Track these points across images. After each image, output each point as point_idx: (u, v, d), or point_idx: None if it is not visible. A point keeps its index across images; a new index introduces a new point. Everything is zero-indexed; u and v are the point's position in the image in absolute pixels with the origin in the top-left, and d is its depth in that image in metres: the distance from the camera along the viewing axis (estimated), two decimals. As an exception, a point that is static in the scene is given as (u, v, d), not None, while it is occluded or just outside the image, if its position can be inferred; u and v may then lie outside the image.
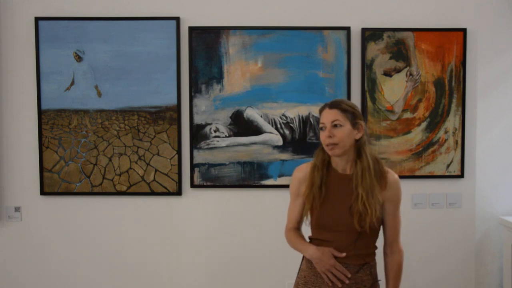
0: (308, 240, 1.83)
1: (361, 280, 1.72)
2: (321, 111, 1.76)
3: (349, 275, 1.70)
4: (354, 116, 1.72)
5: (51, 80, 2.62)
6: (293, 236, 1.83)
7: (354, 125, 1.71)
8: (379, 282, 1.80)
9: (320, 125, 1.74)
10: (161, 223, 2.70)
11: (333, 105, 1.73)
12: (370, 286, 1.74)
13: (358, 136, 1.72)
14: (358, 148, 1.73)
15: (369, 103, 2.66)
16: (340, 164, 1.75)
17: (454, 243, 2.74)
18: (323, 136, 1.72)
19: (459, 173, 2.69)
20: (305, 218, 1.81)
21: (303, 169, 1.82)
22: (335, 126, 1.70)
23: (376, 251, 1.80)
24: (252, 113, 2.65)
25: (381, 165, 1.75)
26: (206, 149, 2.66)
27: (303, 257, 1.83)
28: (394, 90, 2.67)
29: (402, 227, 1.82)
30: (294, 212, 1.84)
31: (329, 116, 1.71)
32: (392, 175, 1.77)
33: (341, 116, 1.70)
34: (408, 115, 2.67)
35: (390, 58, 2.66)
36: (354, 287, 1.71)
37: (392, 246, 1.80)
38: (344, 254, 1.70)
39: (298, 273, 1.85)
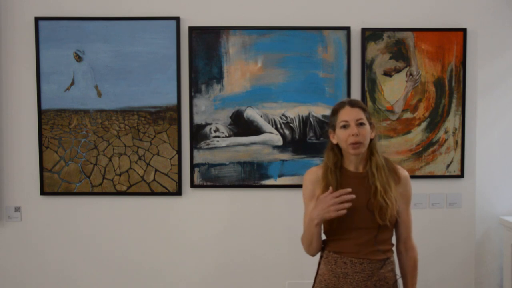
0: (323, 243, 1.81)
1: (384, 277, 1.72)
2: (338, 109, 1.75)
3: (350, 190, 1.62)
4: (369, 116, 1.76)
5: (51, 80, 2.62)
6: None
7: (369, 124, 1.74)
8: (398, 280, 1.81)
9: (342, 123, 1.71)
10: (161, 223, 2.70)
11: (354, 103, 1.74)
12: (393, 284, 1.75)
13: (373, 135, 1.75)
14: (370, 146, 1.75)
15: (369, 103, 2.66)
16: (354, 163, 1.76)
17: (454, 243, 2.74)
18: (346, 134, 1.70)
19: (459, 173, 2.69)
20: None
21: (314, 172, 1.80)
22: (360, 124, 1.70)
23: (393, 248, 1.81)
24: (252, 113, 2.65)
25: (389, 162, 1.79)
26: (206, 149, 2.66)
27: (320, 262, 1.81)
28: (394, 90, 2.66)
29: None
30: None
31: (353, 114, 1.71)
32: (402, 171, 1.80)
33: (363, 115, 1.72)
34: (408, 115, 2.67)
35: (390, 58, 2.65)
36: (378, 284, 1.71)
37: (406, 243, 1.82)
38: (331, 190, 1.61)
39: (316, 278, 1.81)
